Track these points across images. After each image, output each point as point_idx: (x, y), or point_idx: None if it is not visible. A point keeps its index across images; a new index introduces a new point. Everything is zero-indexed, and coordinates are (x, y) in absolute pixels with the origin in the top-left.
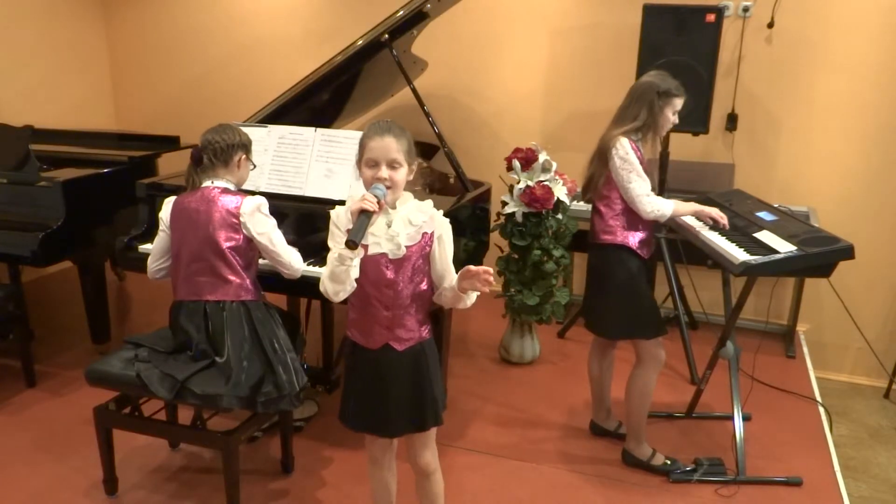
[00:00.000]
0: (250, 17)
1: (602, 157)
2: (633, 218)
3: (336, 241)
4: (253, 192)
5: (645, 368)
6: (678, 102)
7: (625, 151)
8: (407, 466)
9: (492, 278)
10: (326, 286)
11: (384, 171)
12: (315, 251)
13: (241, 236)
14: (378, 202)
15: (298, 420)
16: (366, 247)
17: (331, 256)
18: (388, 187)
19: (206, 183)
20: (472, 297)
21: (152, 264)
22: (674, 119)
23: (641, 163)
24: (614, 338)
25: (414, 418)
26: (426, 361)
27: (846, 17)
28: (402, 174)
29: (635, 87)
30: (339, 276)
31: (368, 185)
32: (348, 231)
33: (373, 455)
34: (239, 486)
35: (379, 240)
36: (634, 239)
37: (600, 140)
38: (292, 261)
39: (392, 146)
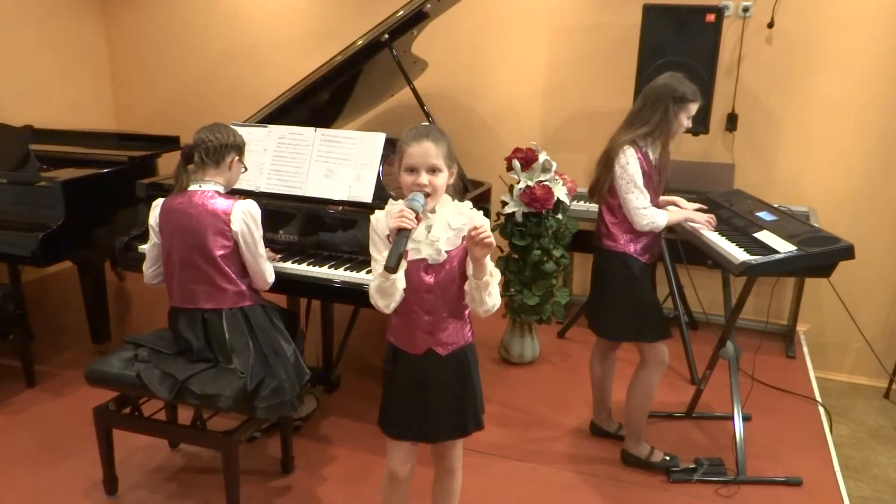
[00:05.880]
0: (250, 17)
1: (608, 161)
2: None
3: (377, 248)
4: (248, 193)
5: (648, 370)
6: (693, 108)
7: (626, 162)
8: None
9: (484, 234)
10: (376, 301)
11: (424, 178)
12: (314, 251)
13: (233, 243)
14: (416, 216)
15: (298, 419)
16: (406, 252)
17: (375, 271)
18: (427, 194)
19: (195, 186)
20: (495, 297)
21: (148, 270)
22: (687, 123)
23: (647, 172)
24: (615, 340)
25: (456, 424)
26: (468, 366)
27: (846, 17)
28: (443, 179)
29: (651, 90)
30: (385, 290)
31: (408, 191)
32: (387, 250)
33: (393, 471)
34: (239, 486)
35: (419, 245)
36: (637, 245)
37: (609, 142)
38: (266, 275)
39: (431, 151)
